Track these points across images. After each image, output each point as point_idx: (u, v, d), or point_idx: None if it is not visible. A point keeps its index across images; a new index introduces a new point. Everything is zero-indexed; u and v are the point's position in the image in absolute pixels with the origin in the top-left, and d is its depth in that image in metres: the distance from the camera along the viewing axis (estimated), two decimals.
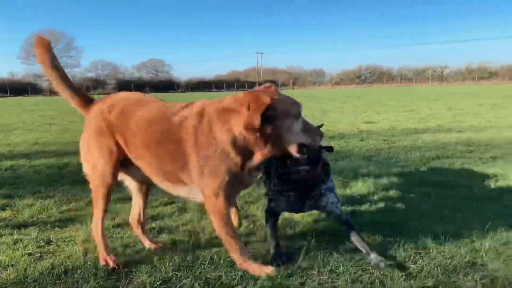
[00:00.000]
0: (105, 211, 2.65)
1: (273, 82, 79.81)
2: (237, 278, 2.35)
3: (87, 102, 2.77)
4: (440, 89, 41.43)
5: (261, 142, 2.29)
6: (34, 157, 6.67)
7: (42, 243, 2.97)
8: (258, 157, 2.36)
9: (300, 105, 2.36)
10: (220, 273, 2.40)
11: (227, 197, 2.40)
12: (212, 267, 2.50)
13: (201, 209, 3.64)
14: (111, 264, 2.51)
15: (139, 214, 2.93)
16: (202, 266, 2.50)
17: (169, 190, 2.65)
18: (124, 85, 66.91)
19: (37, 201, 4.01)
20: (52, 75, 2.71)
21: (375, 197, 3.99)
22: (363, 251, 2.58)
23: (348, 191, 4.20)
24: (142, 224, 2.93)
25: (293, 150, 2.32)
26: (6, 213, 3.69)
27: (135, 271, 2.46)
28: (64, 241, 3.02)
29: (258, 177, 2.76)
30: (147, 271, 2.44)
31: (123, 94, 2.80)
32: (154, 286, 2.29)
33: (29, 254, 2.77)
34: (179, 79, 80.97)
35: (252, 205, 3.83)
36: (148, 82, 74.34)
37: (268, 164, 2.85)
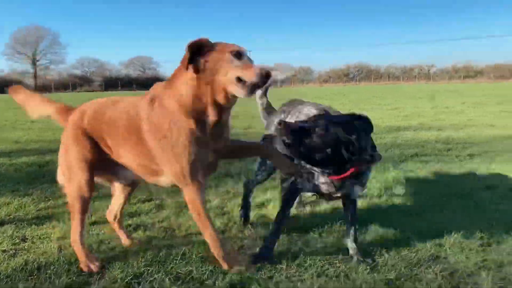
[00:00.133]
0: (83, 224, 2.60)
1: None
2: (207, 272, 2.41)
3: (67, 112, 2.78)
4: (426, 88, 41.88)
5: (201, 86, 2.22)
6: (15, 155, 6.65)
7: (17, 240, 2.99)
8: (211, 109, 2.26)
9: (243, 48, 2.25)
10: (191, 268, 2.46)
11: (194, 171, 2.33)
12: (184, 262, 2.55)
13: (179, 205, 3.70)
14: (94, 269, 2.50)
15: (118, 211, 2.96)
16: (174, 261, 2.56)
17: (155, 183, 2.63)
18: (111, 83, 66.31)
19: (15, 199, 4.02)
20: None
21: None
22: (349, 238, 2.67)
23: None
24: (119, 220, 2.96)
25: (232, 85, 2.17)
26: None
27: (108, 267, 2.51)
28: (40, 238, 3.05)
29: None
30: (119, 267, 2.49)
31: (93, 101, 2.77)
32: (126, 281, 2.34)
33: (4, 251, 2.80)
34: (167, 76, 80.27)
35: (229, 202, 3.89)
36: (136, 79, 73.69)
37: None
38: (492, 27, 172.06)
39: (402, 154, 6.22)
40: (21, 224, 3.33)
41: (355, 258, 2.57)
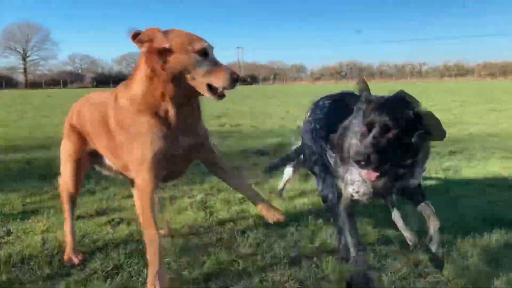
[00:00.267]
0: (72, 215, 2.73)
1: (254, 77, 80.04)
2: (184, 264, 2.52)
3: None
4: (417, 86, 42.22)
5: (157, 84, 2.10)
6: (3, 152, 6.69)
7: (2, 234, 3.07)
8: (169, 106, 2.14)
9: (207, 43, 2.08)
10: (168, 259, 2.57)
11: (153, 162, 2.18)
12: (163, 254, 2.66)
13: (160, 201, 3.80)
14: (75, 261, 2.59)
15: None
16: None
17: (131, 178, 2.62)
18: (103, 79, 66.04)
19: (2, 195, 4.09)
20: None
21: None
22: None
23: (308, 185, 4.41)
24: None
25: (202, 91, 2.08)
26: None
27: (89, 259, 2.61)
28: (24, 232, 3.13)
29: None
30: (100, 259, 2.59)
31: (85, 95, 2.80)
32: (105, 272, 2.44)
33: None
34: None
35: (212, 197, 3.99)
36: (128, 76, 73.18)
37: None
38: (484, 27, 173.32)
39: None
40: (7, 219, 3.41)
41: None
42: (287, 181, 3.82)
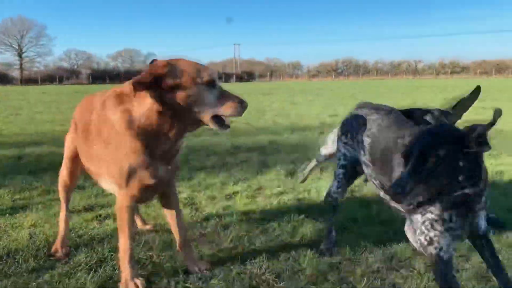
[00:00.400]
0: (66, 206, 2.82)
1: (251, 73, 79.83)
2: (167, 257, 2.60)
3: None
4: (412, 83, 42.39)
5: (165, 118, 2.03)
6: None
7: None
8: (168, 140, 2.11)
9: (214, 72, 2.04)
10: (152, 253, 2.65)
11: (130, 189, 2.19)
12: (146, 248, 2.75)
13: None
14: (60, 254, 2.65)
15: None
16: (137, 247, 2.73)
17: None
18: (99, 75, 65.79)
19: None
20: None
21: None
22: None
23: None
24: None
25: (209, 123, 2.05)
26: None
27: (74, 252, 2.68)
28: (12, 227, 3.20)
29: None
30: (84, 252, 2.67)
31: (95, 93, 2.68)
32: (89, 265, 2.51)
33: None
34: None
35: (198, 193, 4.07)
36: (124, 72, 73.24)
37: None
38: (480, 24, 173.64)
39: None
40: None
41: None
42: (310, 171, 3.72)
